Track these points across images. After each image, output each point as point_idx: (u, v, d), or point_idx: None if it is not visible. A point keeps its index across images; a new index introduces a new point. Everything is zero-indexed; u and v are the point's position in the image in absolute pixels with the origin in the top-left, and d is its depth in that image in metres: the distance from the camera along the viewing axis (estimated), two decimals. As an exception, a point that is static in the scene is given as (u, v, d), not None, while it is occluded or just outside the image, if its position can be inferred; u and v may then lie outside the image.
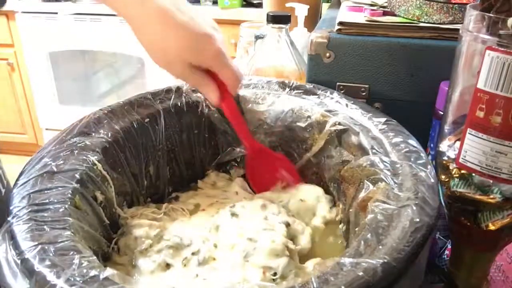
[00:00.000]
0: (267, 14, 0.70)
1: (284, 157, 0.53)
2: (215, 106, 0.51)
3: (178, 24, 0.43)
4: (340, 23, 0.60)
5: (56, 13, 2.08)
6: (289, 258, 0.39)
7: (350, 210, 0.43)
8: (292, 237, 0.43)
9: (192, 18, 0.43)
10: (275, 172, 0.52)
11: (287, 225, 0.43)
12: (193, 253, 0.41)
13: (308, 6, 0.87)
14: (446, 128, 0.43)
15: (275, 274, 0.38)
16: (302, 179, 0.52)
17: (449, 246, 0.48)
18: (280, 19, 0.70)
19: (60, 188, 0.36)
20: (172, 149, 0.51)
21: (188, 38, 0.43)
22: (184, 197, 0.51)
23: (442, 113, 0.49)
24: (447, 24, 0.58)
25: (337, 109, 0.49)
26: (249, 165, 0.53)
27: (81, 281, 0.28)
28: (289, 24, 0.71)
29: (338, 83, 0.61)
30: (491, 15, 0.35)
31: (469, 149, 0.37)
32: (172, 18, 0.42)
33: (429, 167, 0.38)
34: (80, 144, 0.42)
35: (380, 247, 0.30)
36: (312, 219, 0.47)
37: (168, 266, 0.40)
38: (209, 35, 0.44)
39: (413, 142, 0.42)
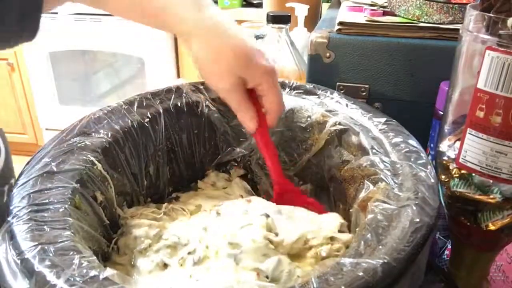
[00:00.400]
0: (267, 14, 0.70)
1: (315, 202, 0.48)
2: (250, 134, 0.48)
3: (233, 37, 0.43)
4: (340, 23, 0.60)
5: (56, 13, 2.08)
6: (278, 258, 0.38)
7: (350, 210, 0.43)
8: (272, 229, 0.41)
9: (243, 34, 0.44)
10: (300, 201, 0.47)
11: (267, 216, 0.41)
12: (189, 253, 0.40)
13: (308, 6, 0.87)
14: (446, 128, 0.43)
15: (267, 277, 0.37)
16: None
17: (449, 246, 0.48)
18: (280, 19, 0.70)
19: (60, 188, 0.36)
20: (172, 149, 0.51)
21: (243, 49, 0.43)
22: (185, 197, 0.51)
23: (442, 113, 0.49)
24: (447, 24, 0.58)
25: (337, 109, 0.49)
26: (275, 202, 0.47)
27: (81, 281, 0.28)
28: (289, 24, 0.71)
29: (338, 83, 0.61)
30: (491, 15, 0.35)
31: (469, 149, 0.37)
32: (227, 31, 0.43)
33: (429, 167, 0.38)
34: (80, 144, 0.42)
35: (380, 247, 0.30)
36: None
37: (166, 266, 0.40)
38: (262, 52, 0.44)
39: (413, 142, 0.42)
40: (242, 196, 0.50)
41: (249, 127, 0.46)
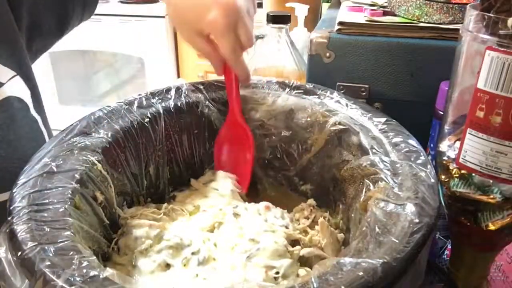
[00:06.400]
0: (267, 14, 0.70)
1: (251, 147, 0.52)
2: (218, 75, 0.53)
3: None
4: (340, 23, 0.60)
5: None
6: (292, 260, 0.39)
7: (350, 210, 0.43)
8: (292, 242, 0.43)
9: None
10: (243, 153, 0.52)
11: (287, 228, 0.43)
12: (193, 253, 0.41)
13: (308, 6, 0.87)
14: (446, 128, 0.43)
15: (277, 273, 0.38)
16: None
17: (449, 246, 0.48)
18: (280, 19, 0.70)
19: (60, 188, 0.36)
20: (172, 149, 0.51)
21: (195, 4, 0.49)
22: (181, 197, 0.51)
23: (442, 113, 0.49)
24: (447, 24, 0.58)
25: (337, 109, 0.49)
26: (221, 135, 0.53)
27: (81, 281, 0.28)
28: (289, 24, 0.71)
29: (338, 83, 0.61)
30: (491, 15, 0.35)
31: (469, 149, 0.37)
32: None
33: (429, 167, 0.38)
34: (80, 144, 0.42)
35: (380, 247, 0.30)
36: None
37: (168, 266, 0.40)
38: (221, 3, 0.47)
39: (413, 142, 0.42)
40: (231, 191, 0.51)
41: (215, 72, 0.52)
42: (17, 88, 0.52)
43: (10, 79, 0.51)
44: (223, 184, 0.51)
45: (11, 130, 0.50)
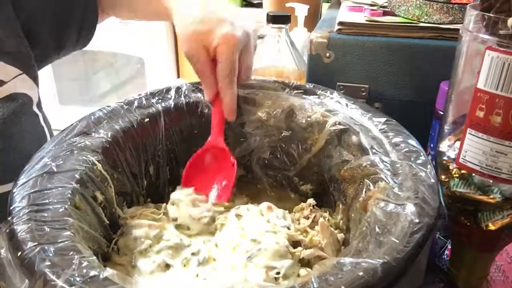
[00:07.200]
0: (267, 14, 0.70)
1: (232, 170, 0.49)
2: (207, 101, 0.51)
3: (202, 8, 0.49)
4: (340, 23, 0.60)
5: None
6: (293, 261, 0.39)
7: (350, 210, 0.43)
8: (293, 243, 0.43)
9: (216, 11, 0.49)
10: (215, 175, 0.50)
11: (288, 229, 0.43)
12: (193, 254, 0.41)
13: (308, 6, 0.87)
14: (446, 128, 0.43)
15: (278, 273, 0.38)
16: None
17: (449, 246, 0.48)
18: (280, 19, 0.70)
19: (60, 188, 0.36)
20: (172, 149, 0.51)
21: (207, 16, 0.48)
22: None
23: (442, 113, 0.49)
24: (447, 24, 0.58)
25: (337, 109, 0.49)
26: (198, 155, 0.50)
27: (81, 281, 0.28)
28: (289, 24, 0.71)
29: (338, 83, 0.61)
30: (491, 15, 0.35)
31: (469, 149, 0.37)
32: (201, 3, 0.50)
33: (429, 167, 0.38)
34: (80, 144, 0.42)
35: (380, 247, 0.30)
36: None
37: (167, 266, 0.40)
38: (229, 21, 0.47)
39: (413, 142, 0.42)
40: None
41: (205, 97, 0.50)
42: (23, 85, 0.53)
43: (16, 76, 0.52)
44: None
45: (14, 124, 0.51)
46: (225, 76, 0.48)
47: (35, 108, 0.55)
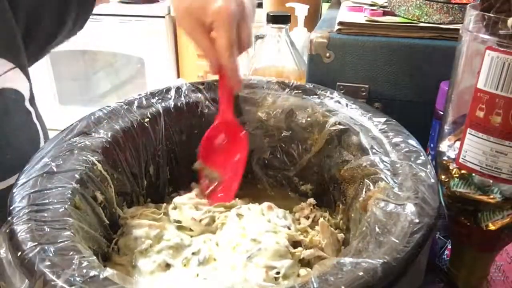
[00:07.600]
0: (267, 14, 0.70)
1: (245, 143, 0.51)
2: (212, 73, 0.51)
3: None
4: (340, 23, 0.60)
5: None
6: (293, 261, 0.39)
7: (350, 210, 0.43)
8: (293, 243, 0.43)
9: None
10: (234, 153, 0.51)
11: (289, 229, 0.43)
12: (193, 253, 0.41)
13: (308, 6, 0.87)
14: (446, 128, 0.43)
15: (278, 273, 0.38)
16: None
17: (449, 246, 0.48)
18: (280, 19, 0.70)
19: (60, 188, 0.36)
20: (172, 149, 0.51)
21: None
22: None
23: (442, 113, 0.49)
24: (447, 24, 0.58)
25: (337, 109, 0.49)
26: (210, 135, 0.51)
27: (81, 281, 0.28)
28: (289, 24, 0.71)
29: (338, 83, 0.61)
30: (491, 15, 0.35)
31: (469, 149, 0.37)
32: None
33: (429, 167, 0.38)
34: (80, 144, 0.42)
35: (380, 247, 0.30)
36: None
37: (168, 266, 0.40)
38: None
39: (413, 142, 0.42)
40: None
41: (210, 70, 0.50)
42: (15, 79, 0.52)
43: (8, 70, 0.51)
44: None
45: (5, 121, 0.50)
46: (224, 51, 0.47)
47: (27, 105, 0.54)
